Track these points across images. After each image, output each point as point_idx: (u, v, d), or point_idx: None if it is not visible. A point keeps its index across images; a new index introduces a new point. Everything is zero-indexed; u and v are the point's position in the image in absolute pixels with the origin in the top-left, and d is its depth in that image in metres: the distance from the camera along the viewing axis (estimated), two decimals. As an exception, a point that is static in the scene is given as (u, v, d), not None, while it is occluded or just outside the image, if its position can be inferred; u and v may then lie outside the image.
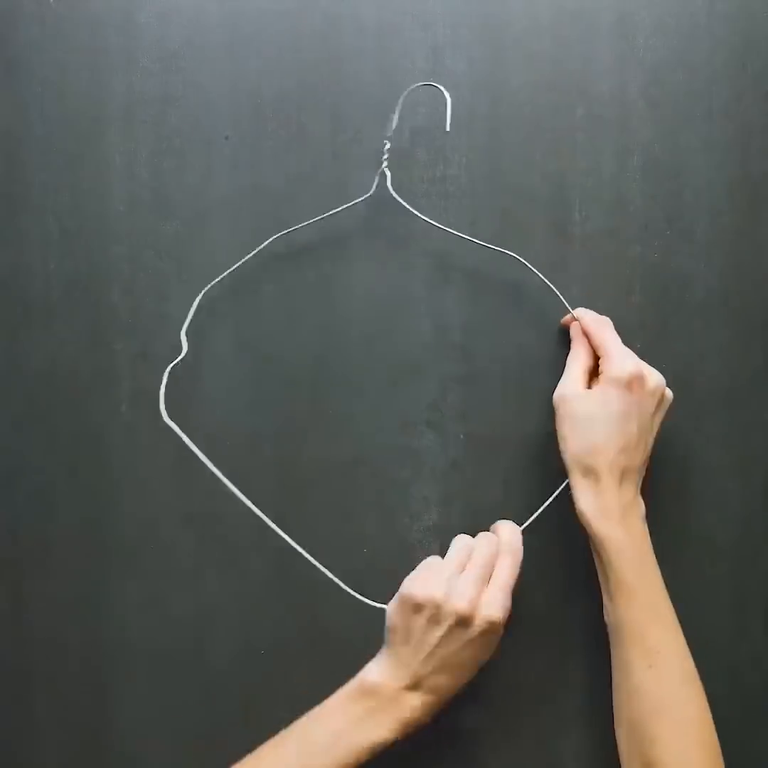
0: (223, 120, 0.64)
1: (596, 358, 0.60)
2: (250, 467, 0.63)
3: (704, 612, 0.64)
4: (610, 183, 0.65)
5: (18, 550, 0.64)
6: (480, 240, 0.62)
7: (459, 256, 0.64)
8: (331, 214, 0.62)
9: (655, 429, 0.58)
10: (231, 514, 0.62)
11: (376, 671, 0.55)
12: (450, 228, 0.63)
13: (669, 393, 0.59)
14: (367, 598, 0.59)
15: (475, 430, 0.64)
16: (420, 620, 0.54)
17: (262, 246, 0.62)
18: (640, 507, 0.58)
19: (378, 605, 0.58)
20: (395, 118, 0.61)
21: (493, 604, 0.54)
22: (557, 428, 0.58)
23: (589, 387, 0.59)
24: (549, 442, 0.64)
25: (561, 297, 0.62)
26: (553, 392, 0.58)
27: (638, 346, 0.64)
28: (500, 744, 0.62)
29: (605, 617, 0.57)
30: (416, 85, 0.61)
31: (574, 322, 0.61)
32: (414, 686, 0.54)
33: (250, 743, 0.63)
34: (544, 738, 0.63)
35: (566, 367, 0.60)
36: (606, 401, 0.56)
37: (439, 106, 0.64)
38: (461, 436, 0.64)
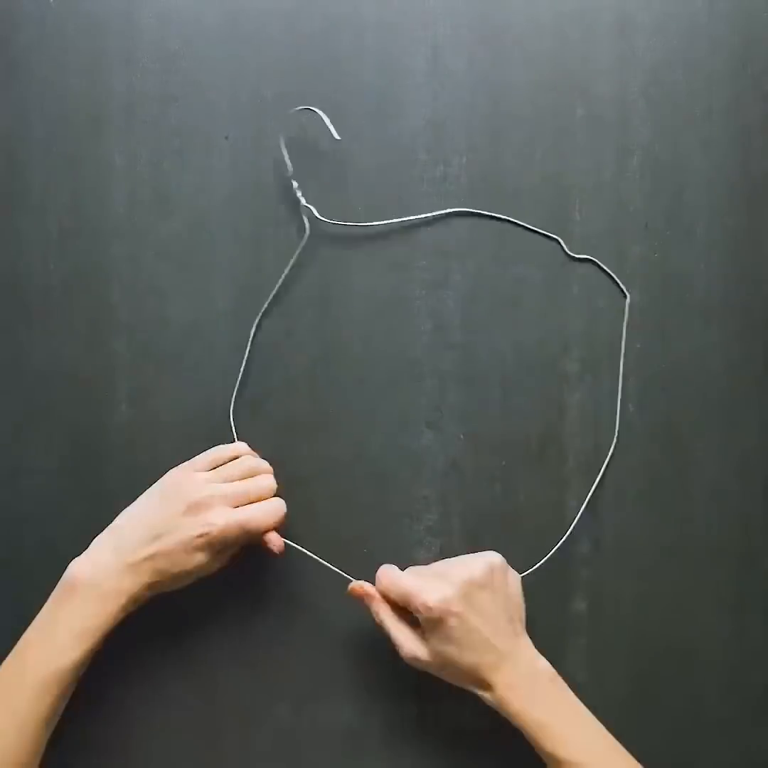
0: (223, 120, 0.64)
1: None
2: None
3: (704, 612, 0.64)
4: (610, 183, 0.65)
5: (18, 549, 0.64)
6: (481, 244, 0.62)
7: (459, 255, 0.64)
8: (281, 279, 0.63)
9: (509, 596, 0.57)
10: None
11: (76, 566, 0.57)
12: (449, 230, 0.63)
13: (492, 573, 0.57)
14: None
15: (475, 430, 0.64)
16: (164, 499, 0.58)
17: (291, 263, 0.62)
18: (545, 671, 0.56)
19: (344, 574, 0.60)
20: (286, 159, 0.62)
21: (220, 517, 0.56)
22: (436, 675, 0.57)
23: (423, 634, 0.57)
24: (549, 442, 0.64)
25: (614, 278, 0.62)
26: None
27: (638, 346, 0.64)
28: (500, 744, 0.62)
29: None
30: (294, 109, 0.62)
31: (365, 592, 0.59)
32: (116, 573, 0.56)
33: (250, 743, 0.63)
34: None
35: (389, 633, 0.57)
36: (442, 638, 0.55)
37: (439, 107, 0.64)
38: (461, 436, 0.64)
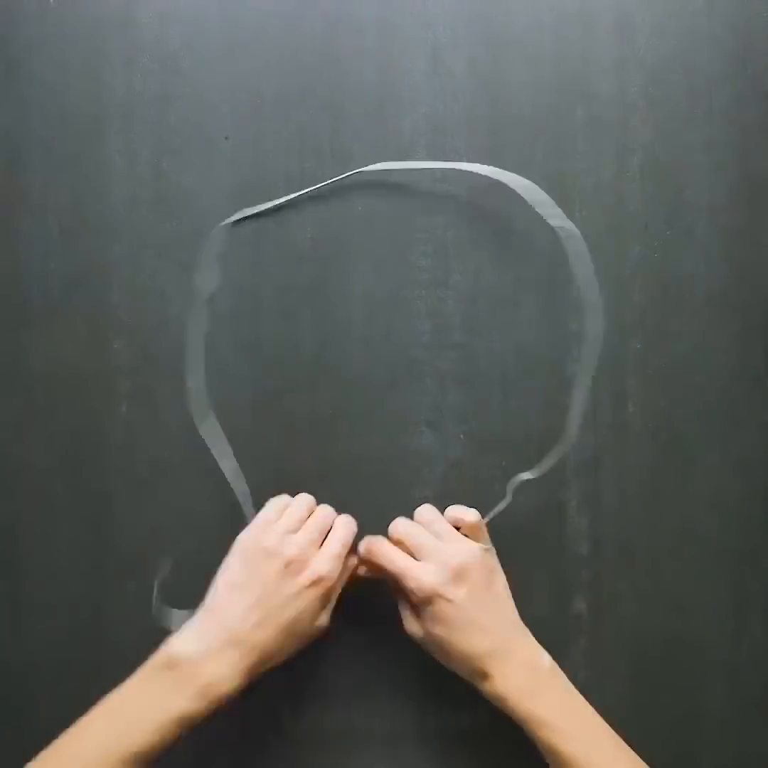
0: (223, 120, 0.64)
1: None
2: (249, 467, 0.63)
3: (704, 612, 0.64)
4: (610, 183, 0.65)
5: (18, 550, 0.64)
6: (481, 244, 0.62)
7: (459, 255, 0.64)
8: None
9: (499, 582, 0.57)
10: (231, 514, 0.62)
11: (178, 641, 0.52)
12: (449, 230, 0.63)
13: (478, 553, 0.56)
14: (367, 600, 0.59)
15: (475, 430, 0.64)
16: (257, 573, 0.54)
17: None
18: (545, 662, 0.56)
19: None
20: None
21: (323, 560, 0.55)
22: (435, 657, 0.57)
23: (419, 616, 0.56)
24: (549, 442, 0.64)
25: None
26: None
27: (638, 346, 0.64)
28: (500, 744, 0.62)
29: None
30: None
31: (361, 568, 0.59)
32: (226, 648, 0.51)
33: (250, 743, 0.63)
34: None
35: (399, 607, 0.58)
36: (434, 619, 0.55)
37: (438, 107, 0.64)
38: (461, 436, 0.64)
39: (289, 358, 0.64)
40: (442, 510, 0.63)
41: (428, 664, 0.61)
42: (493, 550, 0.58)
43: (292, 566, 0.54)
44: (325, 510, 0.59)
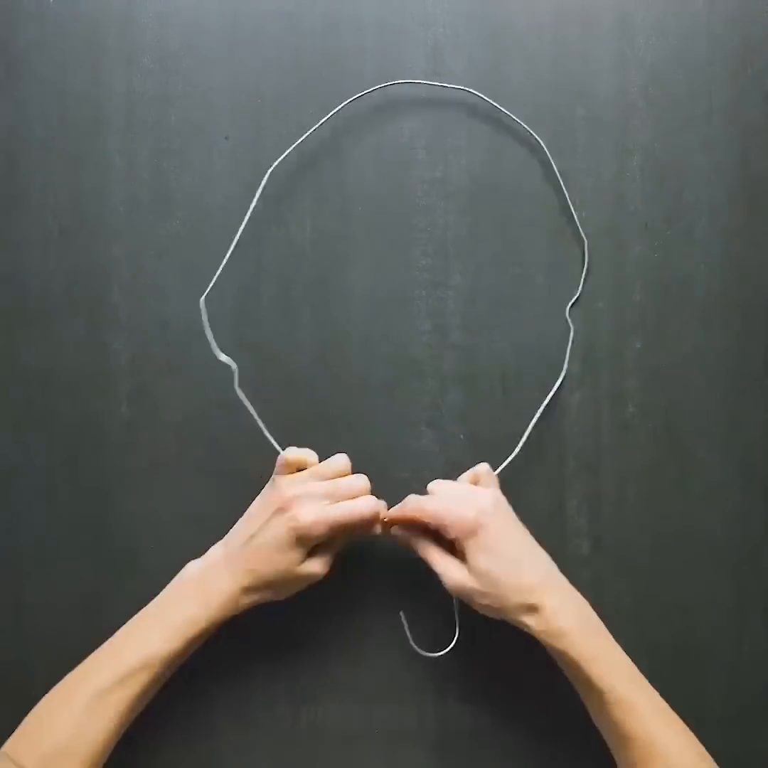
0: (223, 120, 0.64)
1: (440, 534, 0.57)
2: (250, 467, 0.63)
3: (704, 612, 0.64)
4: (610, 183, 0.65)
5: (18, 550, 0.64)
6: (481, 244, 0.62)
7: (459, 255, 0.64)
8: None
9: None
10: (230, 514, 0.62)
11: (191, 563, 0.58)
12: (449, 230, 0.63)
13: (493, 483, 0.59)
14: (367, 601, 0.59)
15: (475, 430, 0.64)
16: (261, 503, 0.58)
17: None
18: (581, 600, 0.57)
19: None
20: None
21: (309, 512, 0.55)
22: (476, 604, 0.56)
23: (463, 558, 0.56)
24: (549, 442, 0.64)
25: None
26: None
27: (638, 346, 0.64)
28: (500, 745, 0.62)
29: (596, 724, 0.56)
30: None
31: (394, 529, 0.59)
32: (223, 564, 0.57)
33: (250, 743, 0.63)
34: (544, 738, 0.63)
35: (433, 565, 0.57)
36: (482, 552, 0.55)
37: (439, 106, 0.64)
38: (461, 436, 0.64)
39: (289, 358, 0.64)
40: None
41: (429, 664, 0.61)
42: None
43: (284, 504, 0.56)
44: (356, 480, 0.58)
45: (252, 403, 0.62)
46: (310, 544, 0.56)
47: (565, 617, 0.54)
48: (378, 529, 0.59)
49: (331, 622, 0.63)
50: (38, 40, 0.64)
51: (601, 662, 0.54)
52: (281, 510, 0.56)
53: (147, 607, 0.58)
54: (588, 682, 0.54)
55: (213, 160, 0.64)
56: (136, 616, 0.58)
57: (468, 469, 0.63)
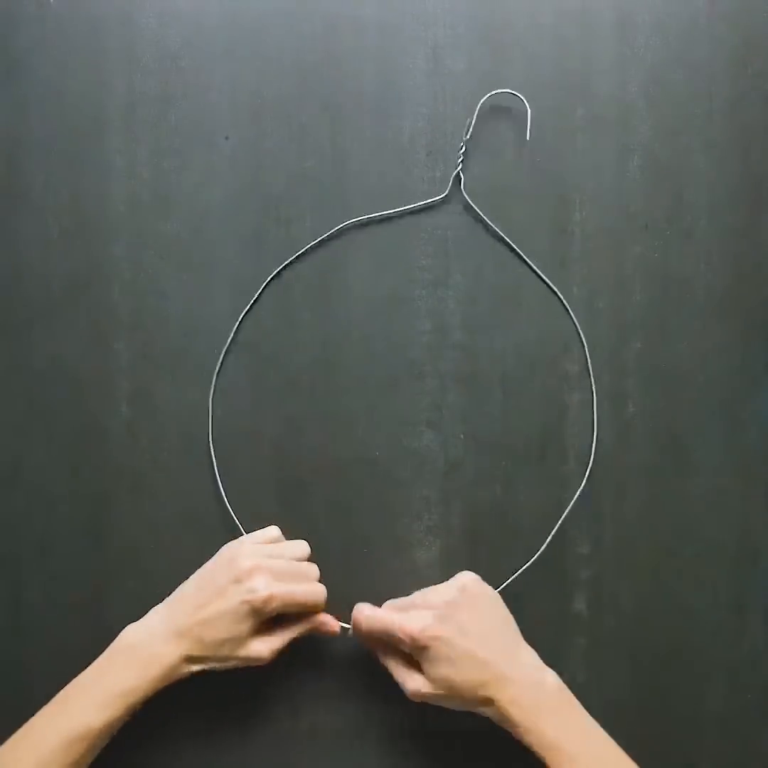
0: (223, 120, 0.64)
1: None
2: (250, 467, 0.63)
3: (704, 612, 0.64)
4: (610, 183, 0.65)
5: (18, 550, 0.64)
6: (482, 242, 0.62)
7: (459, 255, 0.64)
8: (405, 209, 0.62)
9: (495, 614, 0.58)
10: (230, 514, 0.62)
11: (132, 627, 0.57)
12: (450, 230, 0.63)
13: (469, 590, 0.58)
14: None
15: (475, 430, 0.64)
16: (216, 571, 0.58)
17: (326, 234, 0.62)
18: (549, 680, 0.56)
19: None
20: (473, 121, 0.62)
21: (265, 584, 0.56)
22: (436, 703, 0.57)
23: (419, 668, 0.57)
24: (549, 442, 0.64)
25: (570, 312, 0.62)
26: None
27: (638, 346, 0.64)
28: (499, 745, 0.62)
29: None
30: (494, 92, 0.62)
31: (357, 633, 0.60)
32: (169, 632, 0.56)
33: (250, 743, 0.63)
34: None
35: (392, 673, 0.58)
36: (436, 660, 0.55)
37: (439, 107, 0.64)
38: (461, 436, 0.64)
39: (289, 358, 0.64)
40: (444, 511, 0.64)
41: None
42: (479, 579, 0.59)
43: (242, 575, 0.56)
44: (313, 567, 0.60)
45: (252, 403, 0.62)
46: (262, 617, 0.57)
47: (519, 708, 0.54)
48: (337, 628, 0.60)
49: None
50: (38, 40, 0.64)
51: (560, 746, 0.54)
52: (238, 580, 0.56)
53: (83, 674, 0.57)
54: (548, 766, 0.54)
55: (213, 160, 0.64)
56: (72, 683, 0.56)
57: (468, 469, 0.64)
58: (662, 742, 0.63)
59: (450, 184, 0.63)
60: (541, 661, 0.57)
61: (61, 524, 0.64)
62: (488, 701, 0.55)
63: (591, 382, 0.64)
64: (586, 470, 0.63)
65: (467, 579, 0.58)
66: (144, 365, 0.64)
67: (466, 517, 0.64)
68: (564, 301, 0.63)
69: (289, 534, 0.61)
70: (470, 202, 0.63)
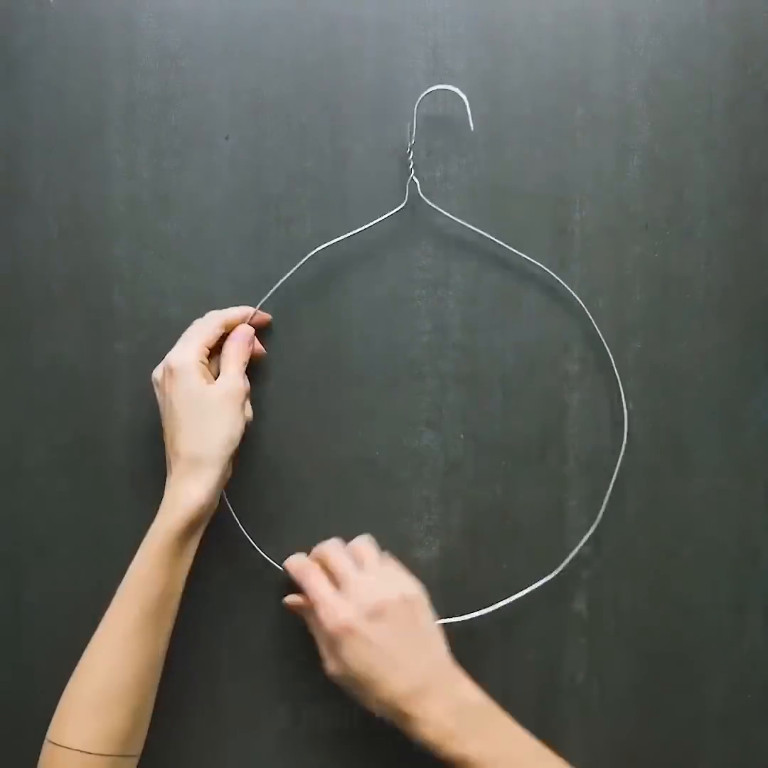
0: (223, 120, 0.64)
1: None
2: (250, 467, 0.63)
3: (704, 612, 0.64)
4: (610, 183, 0.65)
5: (18, 550, 0.64)
6: (480, 242, 0.62)
7: (459, 256, 0.64)
8: (366, 228, 0.62)
9: (419, 624, 0.56)
10: (230, 514, 0.62)
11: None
12: (450, 229, 0.63)
13: (395, 598, 0.56)
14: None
15: (475, 430, 0.64)
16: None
17: (304, 260, 0.62)
18: (464, 692, 0.54)
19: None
20: (413, 126, 0.62)
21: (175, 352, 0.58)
22: (356, 699, 0.56)
23: None
24: (549, 442, 0.64)
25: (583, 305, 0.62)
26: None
27: (638, 346, 0.64)
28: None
29: None
30: (430, 89, 0.61)
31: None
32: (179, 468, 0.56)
33: (251, 744, 0.63)
34: (545, 738, 0.63)
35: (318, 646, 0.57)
36: (347, 657, 0.54)
37: (438, 106, 0.64)
38: (461, 436, 0.64)
39: (289, 358, 0.64)
40: (444, 511, 0.64)
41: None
42: (419, 587, 0.57)
43: (162, 375, 0.58)
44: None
45: (252, 404, 0.62)
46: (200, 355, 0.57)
47: (437, 726, 0.52)
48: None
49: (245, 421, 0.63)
50: (38, 40, 0.64)
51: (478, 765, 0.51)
52: (164, 378, 0.57)
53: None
54: None
55: (213, 160, 0.64)
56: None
57: (468, 469, 0.63)
58: (662, 742, 0.63)
59: (407, 192, 0.63)
60: (465, 678, 0.55)
61: (61, 524, 0.64)
62: (405, 716, 0.53)
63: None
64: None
65: (411, 593, 0.56)
66: (144, 365, 0.64)
67: (466, 517, 0.64)
68: (569, 289, 0.63)
69: (290, 534, 0.61)
70: (432, 204, 0.63)
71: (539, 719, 0.63)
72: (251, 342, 0.60)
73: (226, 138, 0.64)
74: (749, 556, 0.64)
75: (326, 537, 0.63)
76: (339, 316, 0.64)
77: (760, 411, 0.65)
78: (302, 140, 0.64)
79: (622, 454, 0.63)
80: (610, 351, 0.64)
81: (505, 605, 0.61)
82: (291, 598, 0.60)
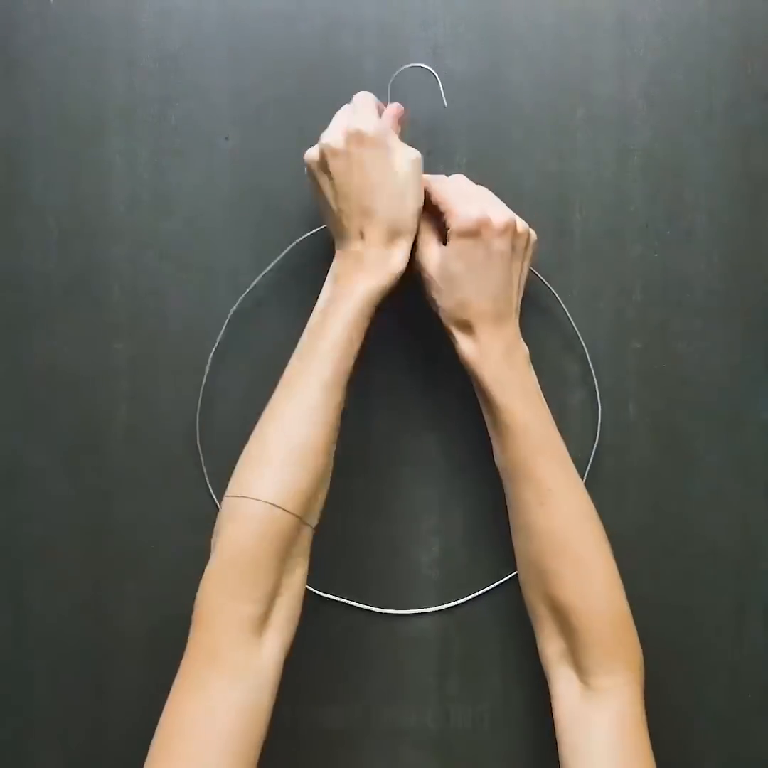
0: (223, 120, 0.64)
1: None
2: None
3: (704, 612, 0.64)
4: (610, 183, 0.65)
5: (18, 550, 0.64)
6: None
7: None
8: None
9: (522, 269, 0.58)
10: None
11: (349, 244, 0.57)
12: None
13: (523, 228, 0.57)
14: (368, 604, 0.59)
15: (475, 431, 0.64)
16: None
17: (288, 248, 0.62)
18: (523, 349, 0.58)
19: None
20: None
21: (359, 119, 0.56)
22: (425, 293, 0.58)
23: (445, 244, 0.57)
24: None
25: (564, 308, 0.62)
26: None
27: (638, 346, 0.64)
28: (499, 745, 0.62)
29: (496, 462, 0.58)
30: (401, 68, 0.62)
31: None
32: (391, 239, 0.56)
33: (250, 743, 0.63)
34: (545, 738, 0.63)
35: (419, 236, 0.58)
36: (460, 254, 0.55)
37: (439, 107, 0.64)
38: (461, 436, 0.64)
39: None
40: (444, 511, 0.64)
41: (428, 664, 0.61)
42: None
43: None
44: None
45: (252, 404, 0.62)
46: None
47: (493, 346, 0.56)
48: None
49: (330, 622, 0.63)
50: (38, 40, 0.64)
51: (507, 387, 0.56)
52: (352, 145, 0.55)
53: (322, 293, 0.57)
54: (490, 403, 0.56)
55: (213, 160, 0.64)
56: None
57: (467, 468, 0.63)
58: (662, 742, 0.63)
59: None
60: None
61: (61, 524, 0.64)
62: (469, 327, 0.56)
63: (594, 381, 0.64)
64: (585, 470, 0.63)
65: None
66: (144, 365, 0.64)
67: (467, 517, 0.64)
68: (561, 302, 0.63)
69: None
70: None
71: (539, 720, 0.63)
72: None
73: (226, 138, 0.64)
74: (749, 556, 0.64)
75: (325, 537, 0.63)
76: (339, 316, 0.64)
77: (760, 411, 0.65)
78: (302, 140, 0.64)
79: (594, 448, 0.63)
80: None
81: (504, 603, 0.61)
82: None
